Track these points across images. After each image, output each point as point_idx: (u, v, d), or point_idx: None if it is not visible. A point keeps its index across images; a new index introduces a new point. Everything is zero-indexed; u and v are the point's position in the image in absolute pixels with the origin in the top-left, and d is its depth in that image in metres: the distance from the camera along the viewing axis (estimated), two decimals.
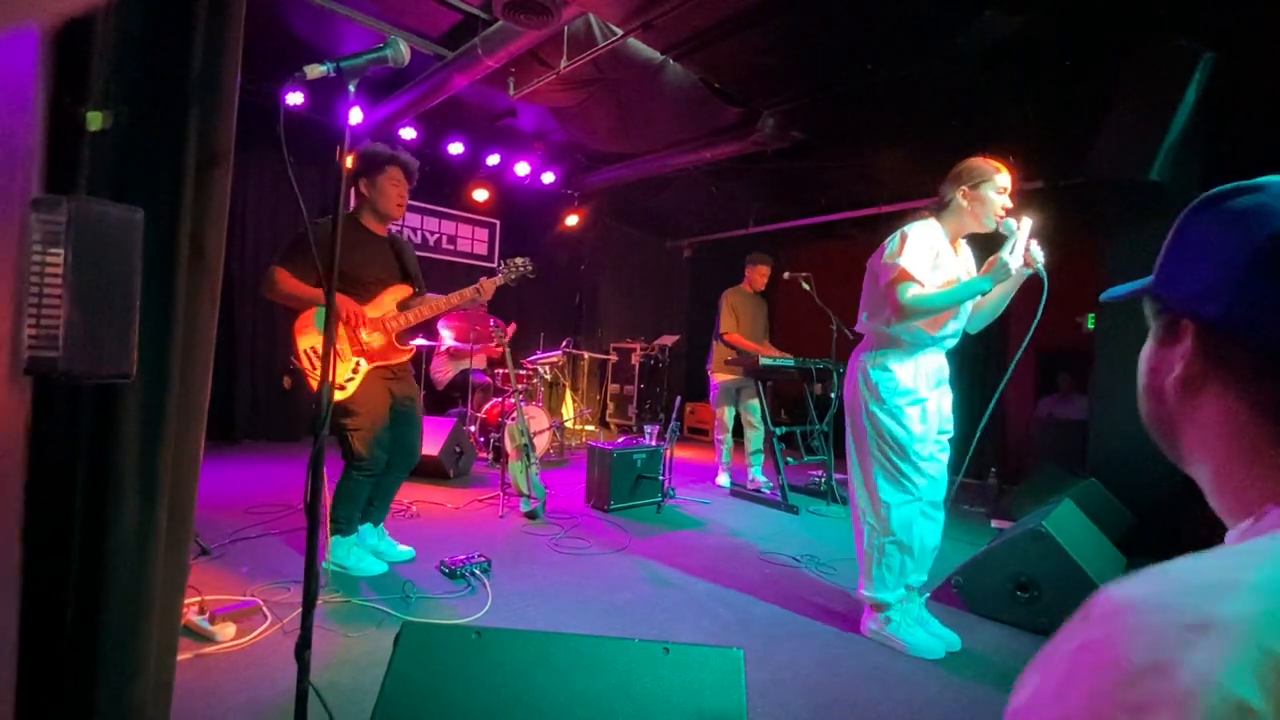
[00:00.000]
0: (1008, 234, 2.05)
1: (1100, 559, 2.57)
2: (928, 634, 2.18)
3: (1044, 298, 2.02)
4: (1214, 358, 0.46)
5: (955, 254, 2.23)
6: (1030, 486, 4.32)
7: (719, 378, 4.73)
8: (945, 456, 2.26)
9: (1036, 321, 2.04)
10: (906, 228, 2.17)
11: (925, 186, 6.65)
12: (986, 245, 2.18)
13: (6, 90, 0.69)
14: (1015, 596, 2.42)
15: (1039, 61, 3.73)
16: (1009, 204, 2.12)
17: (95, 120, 1.03)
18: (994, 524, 4.01)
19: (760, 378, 4.39)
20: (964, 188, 2.16)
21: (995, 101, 4.25)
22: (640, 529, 3.50)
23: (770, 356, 4.33)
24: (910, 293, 2.06)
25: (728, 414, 4.74)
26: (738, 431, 4.79)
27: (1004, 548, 2.51)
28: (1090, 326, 4.58)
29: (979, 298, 2.16)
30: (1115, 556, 2.80)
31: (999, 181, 2.12)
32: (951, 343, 2.25)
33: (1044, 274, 2.06)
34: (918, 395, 2.16)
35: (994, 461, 5.64)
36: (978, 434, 2.18)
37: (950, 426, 2.29)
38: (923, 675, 2.01)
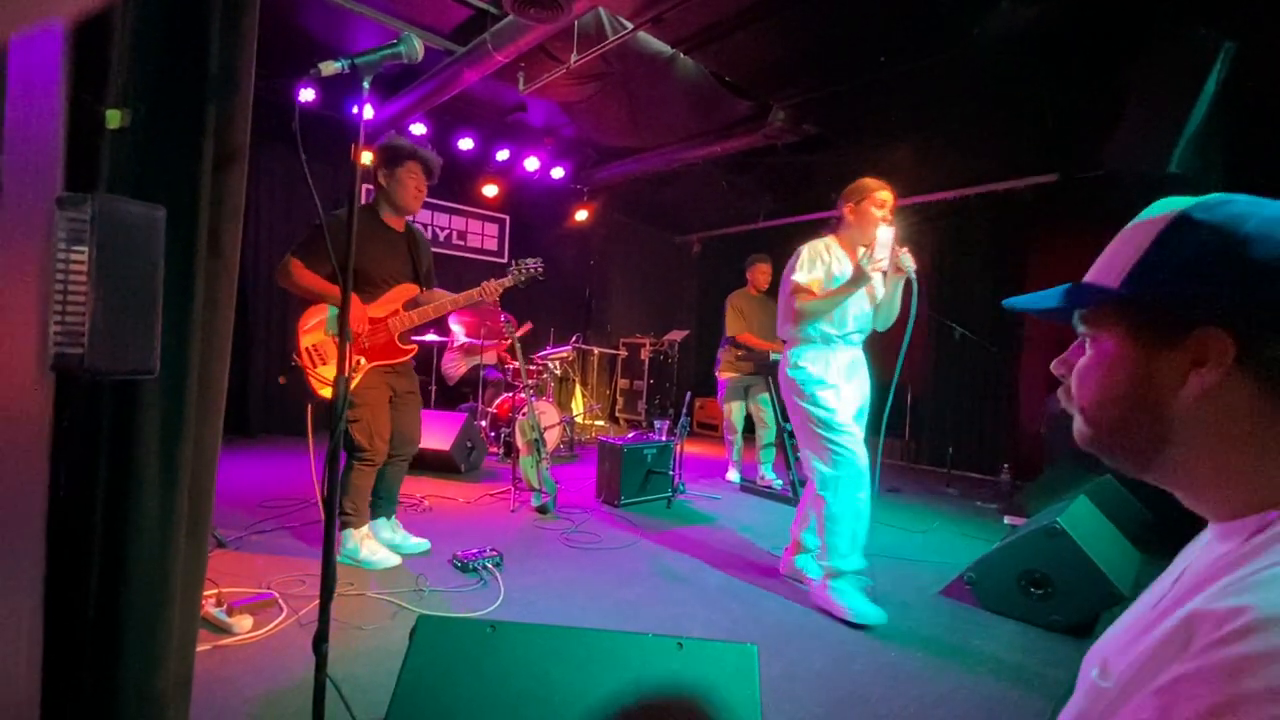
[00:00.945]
0: (862, 262, 2.36)
1: (1116, 556, 2.54)
2: (866, 602, 2.32)
3: (914, 300, 2.41)
4: (1249, 358, 0.47)
5: (850, 266, 2.51)
6: (1044, 483, 4.29)
7: (726, 375, 4.72)
8: (860, 435, 2.51)
9: (912, 319, 2.39)
10: (803, 247, 2.55)
11: (938, 179, 6.62)
12: None
13: (33, 90, 0.70)
14: (1028, 593, 2.41)
15: (1055, 53, 3.68)
16: (888, 218, 2.43)
17: (114, 118, 1.04)
18: (1007, 520, 3.98)
19: (771, 373, 4.37)
20: (849, 204, 2.50)
21: (1010, 93, 4.20)
22: (651, 524, 3.50)
23: (779, 352, 4.31)
24: (800, 300, 2.46)
25: (737, 410, 4.73)
26: (748, 427, 4.79)
27: (1018, 544, 2.49)
28: None
29: (872, 302, 2.55)
30: (1131, 553, 2.77)
31: (878, 198, 2.44)
32: (857, 338, 2.58)
33: (914, 278, 2.40)
34: (829, 382, 2.49)
35: (1006, 458, 5.61)
36: (888, 404, 2.47)
37: (865, 407, 2.61)
38: (935, 672, 2.00)
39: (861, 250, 2.40)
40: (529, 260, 2.80)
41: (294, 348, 2.49)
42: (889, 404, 2.50)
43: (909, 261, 2.36)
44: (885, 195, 2.44)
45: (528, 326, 5.50)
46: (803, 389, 2.49)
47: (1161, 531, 3.54)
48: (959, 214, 6.10)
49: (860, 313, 2.53)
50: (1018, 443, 5.88)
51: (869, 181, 2.48)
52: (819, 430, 2.45)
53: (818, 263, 2.50)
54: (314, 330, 2.50)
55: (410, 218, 2.74)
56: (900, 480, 5.35)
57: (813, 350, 2.52)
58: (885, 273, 2.39)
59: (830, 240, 2.56)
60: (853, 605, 2.30)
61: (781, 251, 5.37)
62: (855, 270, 2.36)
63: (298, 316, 2.51)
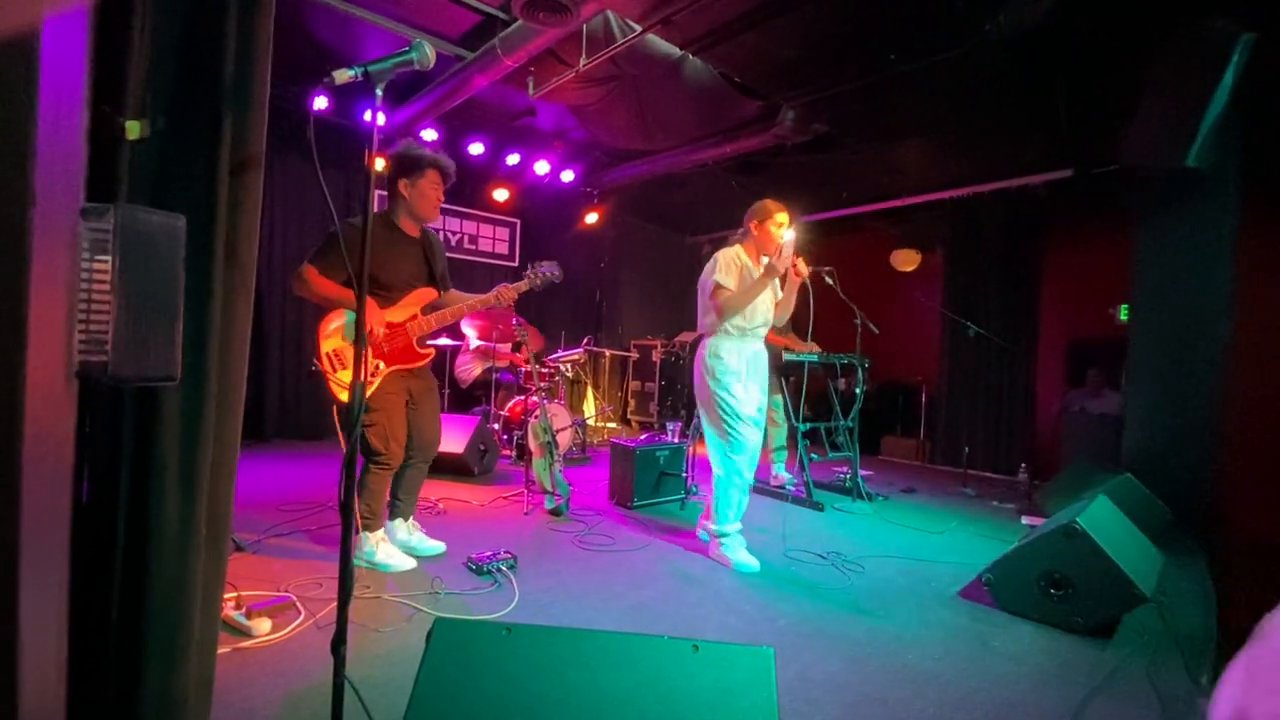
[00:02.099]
0: (772, 265, 2.84)
1: (1136, 555, 2.50)
2: (748, 557, 2.88)
3: (811, 302, 3.31)
4: None
5: (758, 269, 3.00)
6: (1062, 482, 4.23)
7: None
8: (760, 420, 2.99)
9: (812, 327, 3.22)
10: (718, 253, 3.00)
11: (951, 177, 6.57)
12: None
13: (58, 103, 0.71)
14: (1048, 594, 2.38)
15: (1069, 47, 3.63)
16: (789, 237, 2.88)
17: (134, 129, 1.05)
18: (1024, 520, 3.94)
19: (784, 373, 4.36)
20: (755, 222, 2.99)
21: (1023, 89, 4.15)
22: (664, 525, 3.50)
23: (795, 351, 4.29)
24: (722, 296, 2.91)
25: None
26: None
27: (1036, 544, 2.46)
28: (1124, 318, 4.47)
29: (775, 301, 3.05)
30: (1152, 553, 2.73)
31: (779, 219, 2.94)
32: (763, 331, 3.07)
33: (809, 284, 3.09)
34: (740, 375, 2.94)
35: (1024, 457, 5.54)
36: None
37: (763, 400, 3.04)
38: (954, 674, 1.98)
39: (777, 253, 2.91)
40: (544, 264, 2.80)
41: (315, 353, 2.52)
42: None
43: (804, 267, 2.92)
44: (783, 216, 2.96)
45: (540, 342, 5.54)
46: (718, 376, 2.92)
47: (1183, 530, 3.48)
48: (973, 211, 6.04)
49: (765, 309, 3.01)
50: (1035, 442, 5.81)
51: (770, 204, 2.97)
52: (723, 415, 2.91)
53: (733, 267, 2.95)
54: (333, 335, 2.51)
55: (429, 225, 2.77)
56: (916, 480, 5.30)
57: (728, 341, 2.97)
58: (787, 272, 2.87)
59: (739, 249, 3.02)
60: (736, 559, 2.88)
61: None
62: (767, 267, 2.85)
63: (315, 322, 2.54)
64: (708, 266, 3.00)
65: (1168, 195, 3.91)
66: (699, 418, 3.11)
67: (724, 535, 2.93)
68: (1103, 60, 3.76)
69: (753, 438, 2.91)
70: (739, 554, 2.89)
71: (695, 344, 3.18)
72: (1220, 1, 3.16)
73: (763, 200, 3.01)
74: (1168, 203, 3.93)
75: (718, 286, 2.92)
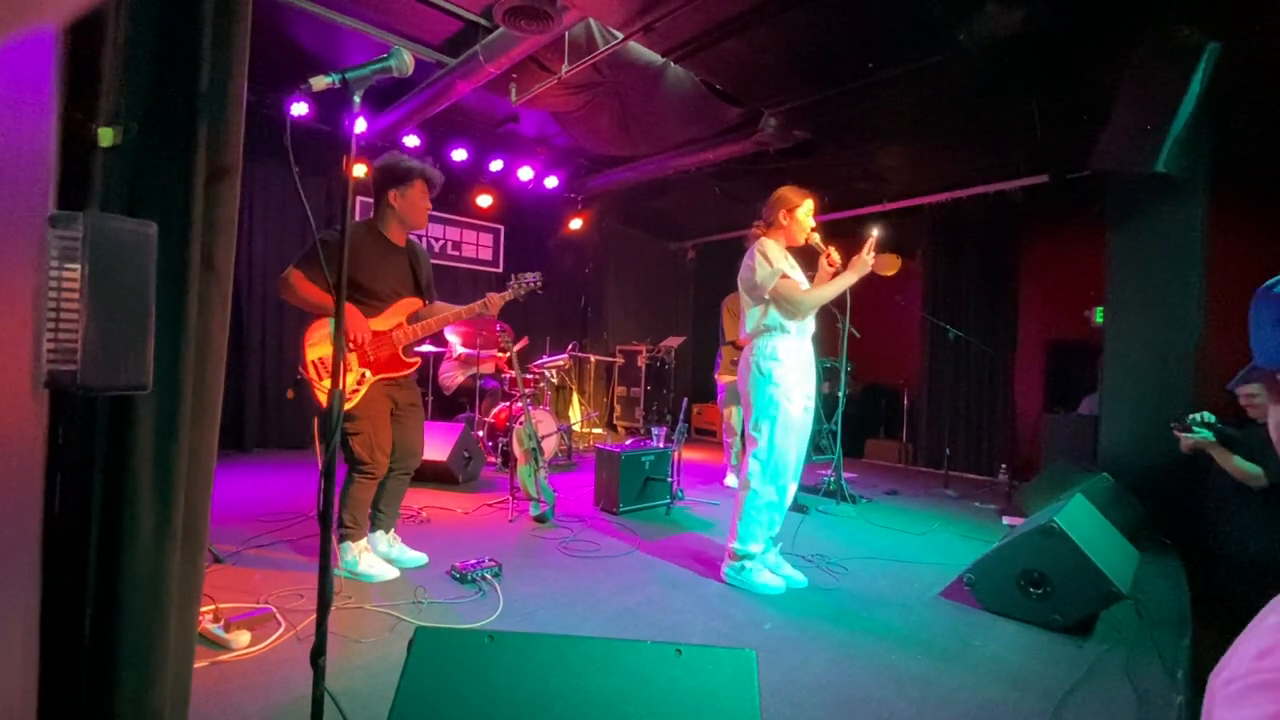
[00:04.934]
0: (816, 248, 2.71)
1: (1113, 553, 2.55)
2: (772, 578, 2.65)
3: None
4: None
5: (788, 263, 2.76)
6: (1041, 483, 4.29)
7: (725, 379, 4.73)
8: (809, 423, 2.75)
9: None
10: (759, 246, 2.69)
11: (929, 182, 6.65)
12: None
13: (26, 108, 0.71)
14: (1028, 593, 2.41)
15: (1042, 55, 3.71)
16: (814, 224, 2.74)
17: (107, 136, 1.04)
18: (1005, 521, 3.99)
19: None
20: (784, 211, 2.72)
21: (999, 96, 4.23)
22: (649, 531, 3.50)
23: None
24: (799, 292, 2.62)
25: (735, 414, 4.74)
26: None
27: (1015, 544, 2.50)
28: (1099, 320, 4.55)
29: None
30: (1129, 551, 2.78)
31: (808, 206, 2.73)
32: (811, 329, 2.76)
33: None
34: (800, 380, 2.65)
35: (1004, 458, 5.62)
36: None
37: (813, 398, 2.75)
38: (936, 674, 2.00)
39: (866, 249, 2.66)
40: (527, 275, 2.82)
41: (301, 361, 2.50)
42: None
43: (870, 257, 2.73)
44: (811, 203, 2.76)
45: (524, 342, 5.52)
46: (777, 380, 2.62)
47: (1158, 528, 3.55)
48: (950, 216, 6.13)
49: None
50: (1015, 443, 5.89)
51: (793, 192, 2.73)
52: (780, 425, 2.62)
53: (782, 258, 2.67)
54: (320, 343, 2.50)
55: (415, 234, 2.77)
56: (899, 482, 5.35)
57: (787, 341, 2.66)
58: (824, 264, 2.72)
59: (771, 240, 2.74)
60: (760, 586, 2.62)
61: None
62: (857, 263, 2.63)
63: (295, 331, 2.53)
64: (749, 262, 2.69)
65: (1139, 200, 4.00)
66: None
67: (746, 556, 2.65)
68: (1076, 68, 3.84)
69: (798, 452, 2.67)
70: (761, 576, 2.64)
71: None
72: (1187, 11, 3.24)
73: (781, 190, 2.76)
74: (1139, 207, 4.03)
75: (787, 280, 2.62)
